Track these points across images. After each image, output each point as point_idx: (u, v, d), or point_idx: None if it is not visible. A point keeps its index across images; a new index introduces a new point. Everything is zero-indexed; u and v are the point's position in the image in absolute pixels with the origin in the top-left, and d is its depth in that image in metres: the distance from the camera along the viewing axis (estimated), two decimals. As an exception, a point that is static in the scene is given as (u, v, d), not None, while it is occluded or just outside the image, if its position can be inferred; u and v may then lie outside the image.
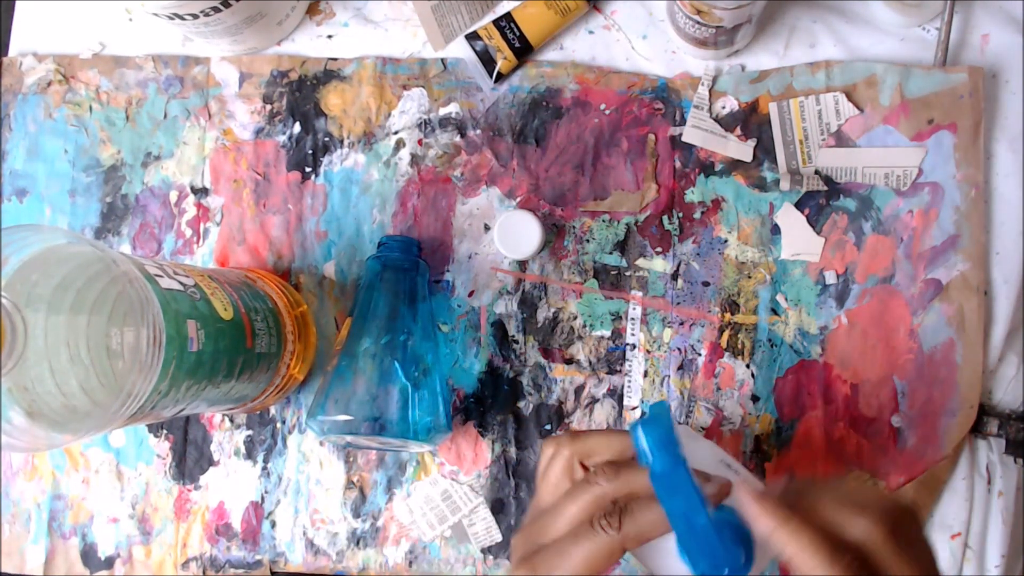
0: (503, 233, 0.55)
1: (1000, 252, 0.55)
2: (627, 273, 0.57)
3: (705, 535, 0.33)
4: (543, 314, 0.57)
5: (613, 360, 0.57)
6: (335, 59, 0.60)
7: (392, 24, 0.60)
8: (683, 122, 0.57)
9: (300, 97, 0.60)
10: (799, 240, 0.56)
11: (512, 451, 0.57)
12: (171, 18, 0.53)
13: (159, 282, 0.41)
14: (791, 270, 0.56)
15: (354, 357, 0.52)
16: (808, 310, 0.56)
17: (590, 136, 0.58)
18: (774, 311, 0.56)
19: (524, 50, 0.58)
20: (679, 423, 0.56)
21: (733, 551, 0.33)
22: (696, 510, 0.33)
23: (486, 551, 0.57)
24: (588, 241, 0.57)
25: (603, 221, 0.57)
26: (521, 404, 0.57)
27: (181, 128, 0.60)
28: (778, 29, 0.58)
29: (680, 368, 0.56)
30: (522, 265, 0.58)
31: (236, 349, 0.46)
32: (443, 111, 0.59)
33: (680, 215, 0.57)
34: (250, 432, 0.58)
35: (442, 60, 0.59)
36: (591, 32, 0.59)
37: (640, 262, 0.57)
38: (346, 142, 0.59)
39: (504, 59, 0.58)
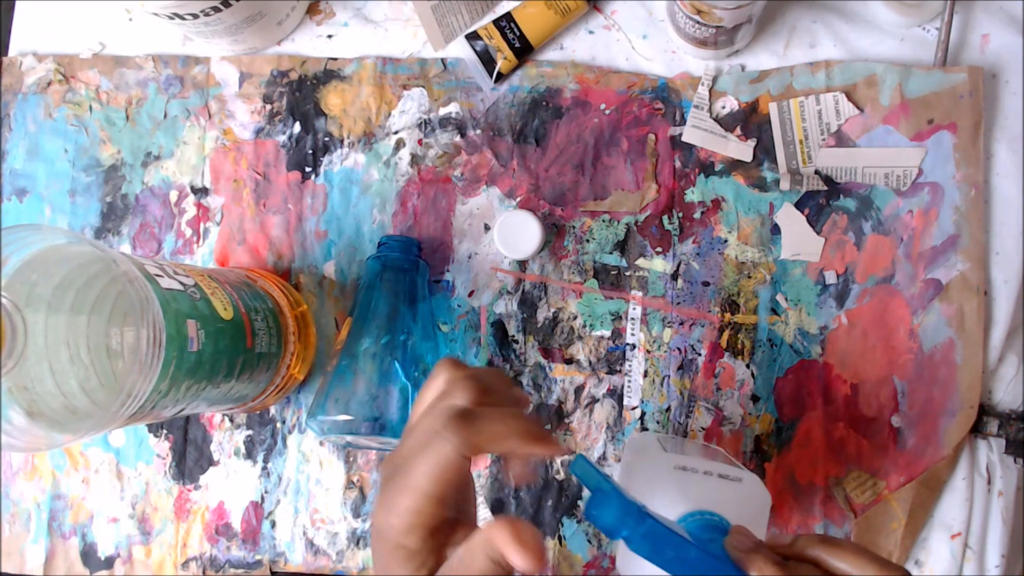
0: (503, 233, 0.55)
1: (1000, 252, 0.55)
2: (627, 273, 0.57)
3: (703, 562, 0.33)
4: (543, 314, 0.57)
5: (613, 360, 0.57)
6: (335, 59, 0.60)
7: (392, 24, 0.60)
8: (683, 122, 0.57)
9: (300, 97, 0.60)
10: (799, 240, 0.56)
11: (512, 451, 0.57)
12: (171, 18, 0.53)
13: (159, 282, 0.40)
14: (791, 270, 0.56)
15: (354, 357, 0.52)
16: (808, 310, 0.56)
17: (590, 136, 0.58)
18: (774, 311, 0.56)
19: (524, 50, 0.58)
20: (664, 432, 0.56)
21: (731, 567, 0.33)
22: (683, 547, 0.33)
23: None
24: (588, 241, 0.57)
25: (603, 221, 0.57)
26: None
27: (181, 128, 0.60)
28: (778, 29, 0.58)
29: (680, 368, 0.56)
30: (522, 265, 0.58)
31: (236, 349, 0.46)
32: (443, 111, 0.59)
33: (680, 215, 0.57)
34: (250, 432, 0.58)
35: (442, 60, 0.59)
36: (591, 32, 0.59)
37: (640, 262, 0.57)
38: (346, 142, 0.59)
39: (504, 59, 0.58)
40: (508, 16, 0.58)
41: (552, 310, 0.57)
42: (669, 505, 0.40)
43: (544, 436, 0.34)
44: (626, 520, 0.32)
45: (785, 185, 0.56)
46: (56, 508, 0.59)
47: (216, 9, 0.53)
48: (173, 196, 0.60)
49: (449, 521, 0.34)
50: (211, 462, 0.58)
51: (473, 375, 0.36)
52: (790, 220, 0.56)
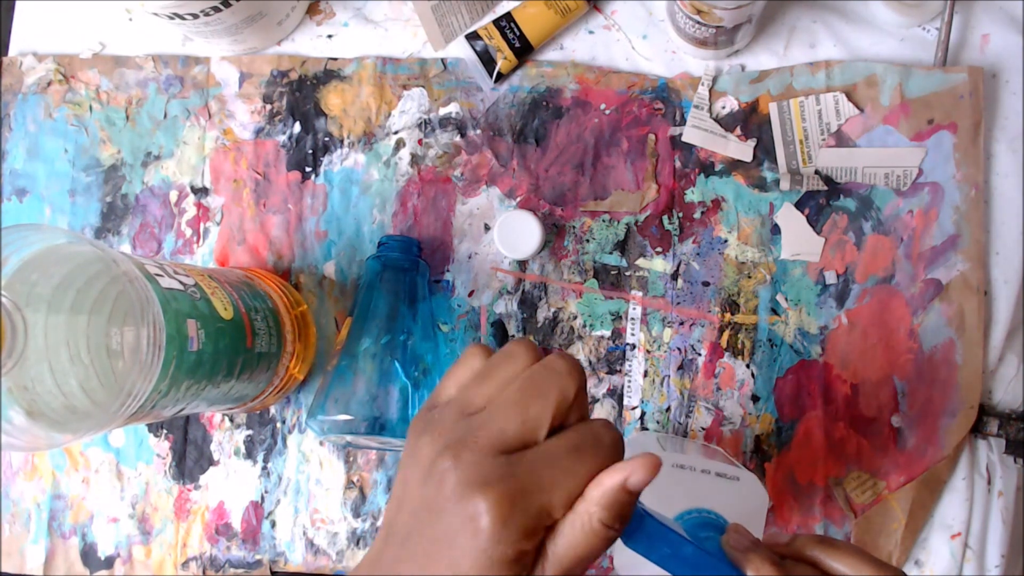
0: (503, 233, 0.55)
1: (1000, 252, 0.55)
2: (627, 273, 0.57)
3: (699, 559, 0.33)
4: (543, 314, 0.57)
5: (613, 360, 0.57)
6: (335, 59, 0.60)
7: (392, 24, 0.60)
8: (683, 122, 0.57)
9: (300, 97, 0.60)
10: (799, 240, 0.56)
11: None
12: (171, 18, 0.53)
13: (159, 281, 0.40)
14: (791, 270, 0.56)
15: (354, 357, 0.52)
16: (808, 310, 0.56)
17: (590, 136, 0.58)
18: (774, 311, 0.56)
19: (524, 50, 0.58)
20: (664, 432, 0.56)
21: (727, 565, 0.33)
22: (679, 544, 0.33)
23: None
24: (588, 241, 0.57)
25: (603, 221, 0.57)
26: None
27: (181, 128, 0.60)
28: (778, 29, 0.58)
29: (680, 368, 0.56)
30: (522, 265, 0.58)
31: (236, 349, 0.46)
32: (443, 111, 0.59)
33: (680, 215, 0.57)
34: (250, 432, 0.58)
35: (442, 60, 0.59)
36: (591, 32, 0.59)
37: (640, 262, 0.57)
38: (346, 142, 0.59)
39: (504, 59, 0.58)
40: (508, 16, 0.58)
41: (552, 310, 0.57)
42: (667, 503, 0.40)
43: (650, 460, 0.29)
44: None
45: (785, 185, 0.56)
46: (56, 508, 0.59)
47: (216, 9, 0.53)
48: (173, 196, 0.60)
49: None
50: (211, 462, 0.58)
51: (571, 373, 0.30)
52: (790, 220, 0.56)
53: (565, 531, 0.28)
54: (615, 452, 0.29)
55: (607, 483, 0.28)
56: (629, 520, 0.29)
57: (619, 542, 0.33)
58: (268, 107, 0.60)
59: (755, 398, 0.56)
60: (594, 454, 0.28)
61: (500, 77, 0.58)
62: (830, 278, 0.56)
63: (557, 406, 0.29)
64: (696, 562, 0.33)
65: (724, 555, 0.34)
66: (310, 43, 0.61)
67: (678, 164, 0.57)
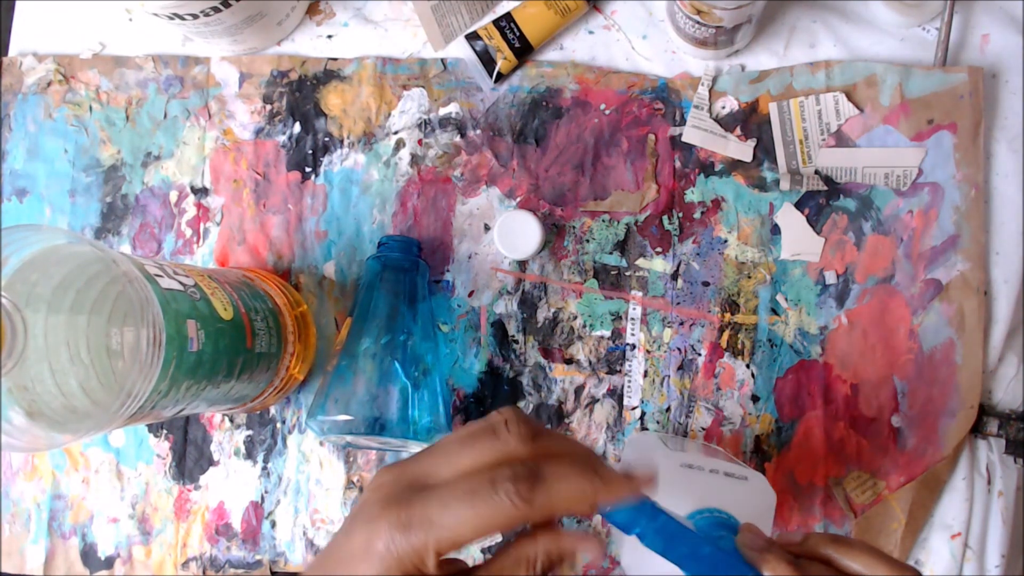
0: (503, 233, 0.55)
1: (1000, 252, 0.55)
2: (627, 273, 0.57)
3: (716, 558, 0.33)
4: (543, 314, 0.57)
5: (613, 360, 0.57)
6: (335, 59, 0.60)
7: (392, 24, 0.60)
8: (683, 122, 0.57)
9: (300, 97, 0.60)
10: (799, 240, 0.56)
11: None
12: (171, 18, 0.53)
13: (159, 282, 0.40)
14: (791, 270, 0.56)
15: (354, 357, 0.52)
16: (808, 310, 0.56)
17: (590, 136, 0.58)
18: (774, 311, 0.56)
19: (524, 50, 0.58)
20: (664, 432, 0.56)
21: (744, 565, 0.33)
22: (697, 543, 0.33)
23: (486, 551, 0.57)
24: (588, 241, 0.57)
25: (603, 221, 0.57)
26: (521, 404, 0.57)
27: (181, 128, 0.60)
28: (778, 29, 0.58)
29: (680, 368, 0.56)
30: (522, 265, 0.58)
31: (236, 349, 0.46)
32: (443, 111, 0.59)
33: (680, 215, 0.57)
34: (250, 432, 0.58)
35: (442, 60, 0.59)
36: (591, 32, 0.59)
37: (640, 262, 0.57)
38: (346, 142, 0.59)
39: (504, 59, 0.58)
40: (508, 16, 0.58)
41: (552, 310, 0.57)
42: (677, 503, 0.40)
43: (622, 480, 0.30)
44: (640, 516, 0.33)
45: (785, 185, 0.56)
46: (56, 508, 0.59)
47: (216, 9, 0.53)
48: (173, 196, 0.60)
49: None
50: (211, 462, 0.58)
51: (535, 430, 0.31)
52: (790, 220, 0.56)
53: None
54: (508, 503, 0.28)
55: (560, 544, 0.30)
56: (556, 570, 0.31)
57: (629, 541, 0.33)
58: (268, 107, 0.60)
59: (755, 398, 0.56)
60: (485, 500, 0.28)
61: (500, 77, 0.58)
62: (830, 278, 0.56)
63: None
64: (714, 562, 0.33)
65: (739, 554, 0.34)
66: (310, 43, 0.61)
67: (678, 164, 0.57)
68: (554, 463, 0.30)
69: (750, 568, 0.33)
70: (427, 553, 0.28)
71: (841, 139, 0.56)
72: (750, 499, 0.41)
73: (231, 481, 0.58)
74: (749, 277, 0.56)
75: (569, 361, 0.57)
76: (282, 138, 0.60)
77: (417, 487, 0.30)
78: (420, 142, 0.59)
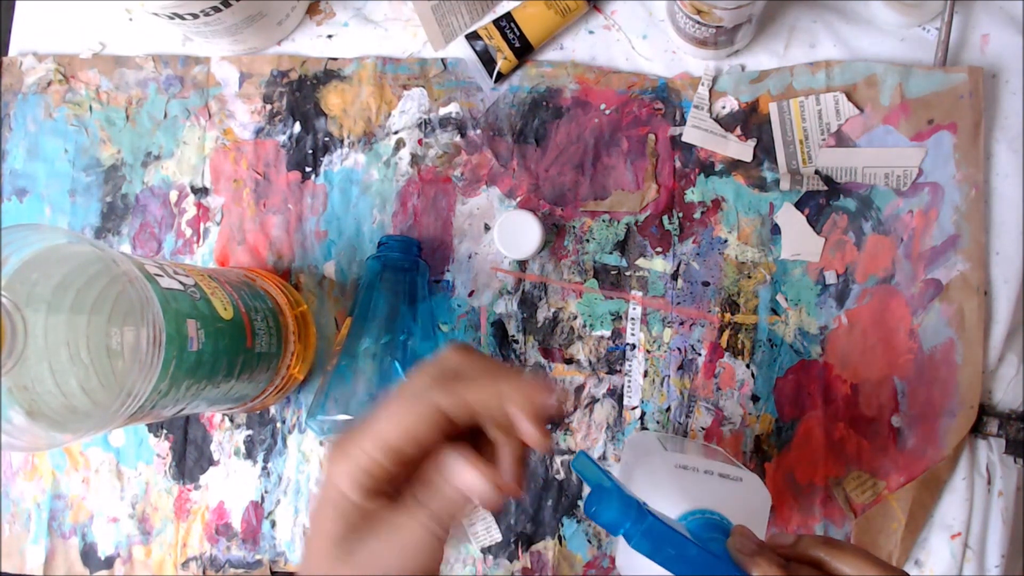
0: (503, 233, 0.55)
1: (1000, 252, 0.55)
2: (627, 273, 0.57)
3: (704, 560, 0.33)
4: (543, 314, 0.57)
5: (613, 360, 0.57)
6: (335, 59, 0.60)
7: (392, 24, 0.60)
8: (683, 122, 0.57)
9: (300, 97, 0.60)
10: (799, 240, 0.56)
11: (512, 451, 0.57)
12: (171, 18, 0.53)
13: (159, 281, 0.40)
14: (791, 270, 0.56)
15: (354, 357, 0.52)
16: (808, 310, 0.56)
17: (590, 136, 0.58)
18: (774, 311, 0.56)
19: (524, 50, 0.58)
20: (664, 432, 0.56)
21: (732, 567, 0.33)
22: (684, 545, 0.33)
23: (486, 551, 0.57)
24: (588, 241, 0.57)
25: (603, 221, 0.57)
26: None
27: (181, 128, 0.60)
28: (778, 29, 0.58)
29: (680, 368, 0.56)
30: (522, 265, 0.58)
31: (236, 349, 0.46)
32: (443, 111, 0.59)
33: (680, 215, 0.57)
34: (250, 432, 0.58)
35: (442, 60, 0.59)
36: (591, 32, 0.59)
37: (640, 262, 0.57)
38: (346, 142, 0.59)
39: (504, 59, 0.58)
40: (508, 16, 0.58)
41: (552, 310, 0.57)
42: (670, 503, 0.40)
43: (543, 386, 0.31)
44: (627, 517, 0.32)
45: (785, 185, 0.56)
46: (56, 508, 0.59)
47: (216, 9, 0.53)
48: (173, 196, 0.60)
49: (391, 492, 0.31)
50: (211, 462, 0.58)
51: (478, 354, 0.34)
52: (790, 220, 0.56)
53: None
54: (424, 389, 0.31)
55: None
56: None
57: (622, 542, 0.33)
58: (268, 107, 0.60)
59: (755, 398, 0.56)
60: (401, 394, 0.31)
61: (500, 77, 0.58)
62: (830, 278, 0.56)
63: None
64: (701, 564, 0.33)
65: (729, 557, 0.34)
66: (310, 43, 0.61)
67: (678, 164, 0.57)
68: (477, 366, 0.32)
69: (738, 570, 0.33)
70: (359, 458, 0.30)
71: (841, 139, 0.56)
72: (744, 500, 0.41)
73: (231, 481, 0.58)
74: (749, 277, 0.56)
75: (569, 361, 0.57)
76: (282, 138, 0.60)
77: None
78: (420, 142, 0.59)
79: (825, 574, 0.33)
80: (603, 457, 0.56)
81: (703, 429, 0.56)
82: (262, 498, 0.58)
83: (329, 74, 0.60)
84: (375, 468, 0.30)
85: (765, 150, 0.57)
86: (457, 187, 0.59)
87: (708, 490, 0.41)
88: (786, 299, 0.56)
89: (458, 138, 0.59)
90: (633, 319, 0.57)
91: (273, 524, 0.58)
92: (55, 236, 0.38)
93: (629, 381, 0.56)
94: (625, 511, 0.32)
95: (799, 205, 0.56)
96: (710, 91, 0.57)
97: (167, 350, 0.39)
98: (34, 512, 0.59)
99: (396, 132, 0.59)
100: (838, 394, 0.55)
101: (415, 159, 0.59)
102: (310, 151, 0.60)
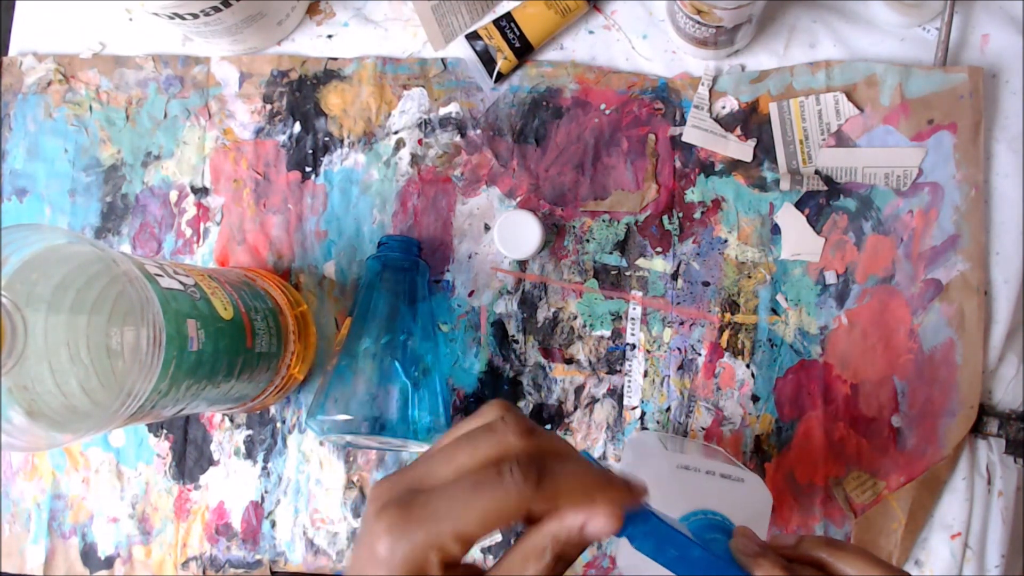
0: (503, 233, 0.55)
1: (1000, 252, 0.55)
2: (627, 273, 0.57)
3: (706, 562, 0.33)
4: (543, 314, 0.57)
5: (613, 360, 0.57)
6: (335, 59, 0.60)
7: (392, 24, 0.60)
8: (683, 122, 0.57)
9: (300, 97, 0.60)
10: (799, 240, 0.56)
11: (512, 451, 0.57)
12: (171, 18, 0.53)
13: (159, 281, 0.40)
14: (791, 270, 0.56)
15: (354, 357, 0.52)
16: (808, 310, 0.56)
17: (590, 136, 0.58)
18: (774, 311, 0.56)
19: (524, 50, 0.58)
20: (664, 432, 0.56)
21: (734, 567, 0.33)
22: (687, 546, 0.33)
23: (486, 551, 0.57)
24: (588, 241, 0.57)
25: (603, 221, 0.57)
26: (521, 404, 0.57)
27: (181, 128, 0.60)
28: (778, 29, 0.58)
29: (680, 368, 0.56)
30: (522, 265, 0.58)
31: (236, 349, 0.46)
32: (443, 111, 0.59)
33: (680, 215, 0.57)
34: (250, 432, 0.58)
35: (442, 60, 0.59)
36: (591, 32, 0.59)
37: (640, 262, 0.57)
38: (346, 142, 0.59)
39: (504, 59, 0.58)
40: (508, 16, 0.58)
41: (552, 310, 0.57)
42: (671, 504, 0.40)
43: (626, 485, 0.29)
44: (629, 517, 0.32)
45: (785, 185, 0.56)
46: (56, 508, 0.59)
47: (216, 9, 0.53)
48: (173, 196, 0.60)
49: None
50: (211, 462, 0.58)
51: (531, 425, 0.30)
52: (790, 220, 0.56)
53: (508, 556, 0.29)
54: (515, 489, 0.27)
55: (565, 522, 0.28)
56: (568, 560, 0.29)
57: (624, 542, 0.33)
58: (268, 107, 0.60)
59: (755, 398, 0.56)
60: (492, 488, 0.27)
61: (500, 77, 0.58)
62: (830, 278, 0.56)
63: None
64: (704, 565, 0.33)
65: (731, 558, 0.34)
66: (310, 43, 0.61)
67: (678, 164, 0.57)
68: (553, 456, 0.29)
69: (741, 571, 0.33)
70: (430, 549, 0.27)
71: (841, 139, 0.56)
72: (746, 501, 0.41)
73: (231, 481, 0.58)
74: (749, 277, 0.56)
75: (569, 361, 0.57)
76: (282, 138, 0.60)
77: (416, 489, 0.28)
78: (420, 142, 0.59)
79: (827, 575, 0.33)
80: (603, 457, 0.56)
81: (703, 429, 0.56)
82: (262, 498, 0.58)
83: (329, 74, 0.60)
84: (454, 558, 0.28)
85: (765, 150, 0.57)
86: (457, 187, 0.59)
87: (710, 491, 0.41)
88: (786, 299, 0.56)
89: (458, 138, 0.59)
90: (633, 319, 0.57)
91: (273, 524, 0.58)
92: (55, 236, 0.38)
93: (629, 381, 0.56)
94: (627, 512, 0.32)
95: (799, 205, 0.56)
96: (710, 91, 0.57)
97: (167, 350, 0.39)
98: (34, 512, 0.59)
99: (396, 132, 0.59)
100: (838, 394, 0.55)
101: (415, 159, 0.59)
102: (310, 151, 0.60)
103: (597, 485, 0.29)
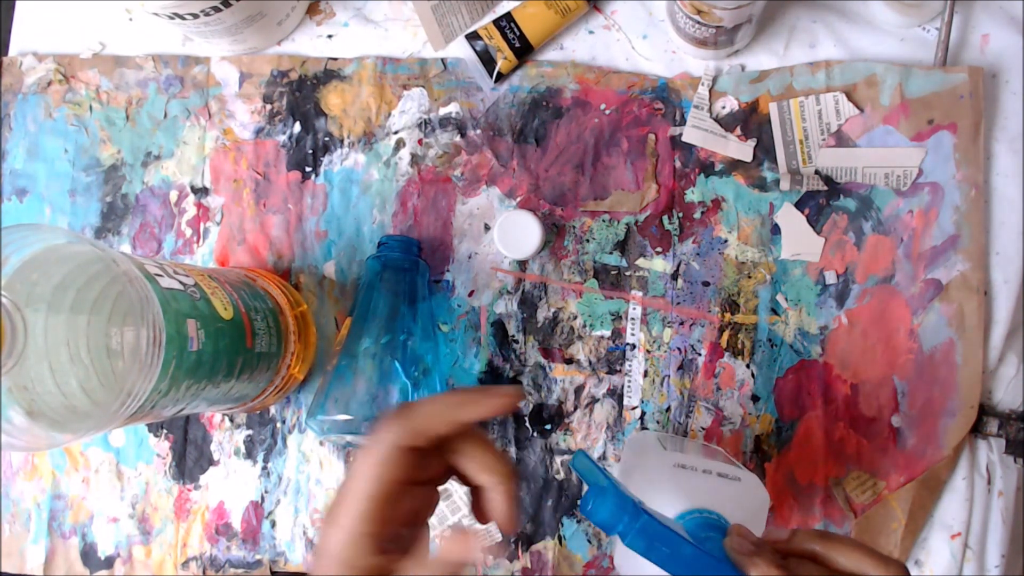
0: (503, 233, 0.55)
1: (1000, 252, 0.55)
2: (627, 273, 0.57)
3: (698, 560, 0.33)
4: (543, 314, 0.57)
5: (613, 360, 0.57)
6: (335, 59, 0.60)
7: (392, 24, 0.60)
8: (683, 122, 0.57)
9: (300, 97, 0.60)
10: (799, 240, 0.56)
11: (512, 451, 0.57)
12: (171, 18, 0.53)
13: (159, 281, 0.40)
14: (791, 270, 0.56)
15: (354, 357, 0.52)
16: (808, 310, 0.56)
17: (590, 136, 0.58)
18: (774, 311, 0.56)
19: (524, 50, 0.58)
20: (664, 432, 0.56)
21: (727, 566, 0.33)
22: (679, 544, 0.33)
23: (486, 551, 0.57)
24: (588, 241, 0.57)
25: (603, 221, 0.57)
26: (521, 404, 0.57)
27: (181, 128, 0.60)
28: (778, 29, 0.58)
29: (680, 368, 0.56)
30: (522, 265, 0.58)
31: (236, 349, 0.46)
32: (443, 111, 0.59)
33: (680, 215, 0.57)
34: (250, 432, 0.58)
35: (442, 60, 0.59)
36: (591, 32, 0.59)
37: (640, 262, 0.57)
38: (346, 142, 0.59)
39: (504, 59, 0.58)
40: (508, 16, 0.58)
41: (552, 310, 0.57)
42: (668, 503, 0.40)
43: (485, 391, 0.32)
44: (621, 515, 0.32)
45: (785, 185, 0.56)
46: (56, 508, 0.59)
47: (216, 9, 0.53)
48: (173, 196, 0.60)
49: (397, 539, 0.31)
50: (211, 462, 0.58)
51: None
52: (790, 220, 0.56)
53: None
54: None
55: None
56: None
57: (619, 541, 0.33)
58: (268, 107, 0.60)
59: (755, 398, 0.56)
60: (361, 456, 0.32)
61: (500, 77, 0.58)
62: (830, 278, 0.56)
63: None
64: (696, 563, 0.33)
65: (725, 556, 0.34)
66: (310, 43, 0.61)
67: (678, 164, 0.57)
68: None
69: (734, 569, 0.33)
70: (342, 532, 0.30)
71: (841, 139, 0.56)
72: (743, 500, 0.41)
73: (231, 481, 0.58)
74: (749, 277, 0.56)
75: (569, 361, 0.57)
76: (282, 138, 0.60)
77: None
78: (420, 142, 0.59)
79: (823, 567, 0.33)
80: (603, 457, 0.56)
81: (703, 429, 0.56)
82: (262, 498, 0.58)
83: (329, 74, 0.60)
84: (368, 525, 0.30)
85: (765, 150, 0.57)
86: (457, 187, 0.59)
87: (706, 489, 0.41)
88: (786, 299, 0.56)
89: (458, 138, 0.59)
90: (633, 319, 0.57)
91: (273, 524, 0.58)
92: (55, 236, 0.38)
93: (629, 381, 0.56)
94: (620, 510, 0.32)
95: (799, 205, 0.56)
96: (710, 91, 0.57)
97: (167, 350, 0.39)
98: (34, 512, 0.59)
99: (396, 132, 0.59)
100: (838, 394, 0.55)
101: (415, 159, 0.59)
102: (310, 151, 0.60)
103: (452, 404, 0.32)
